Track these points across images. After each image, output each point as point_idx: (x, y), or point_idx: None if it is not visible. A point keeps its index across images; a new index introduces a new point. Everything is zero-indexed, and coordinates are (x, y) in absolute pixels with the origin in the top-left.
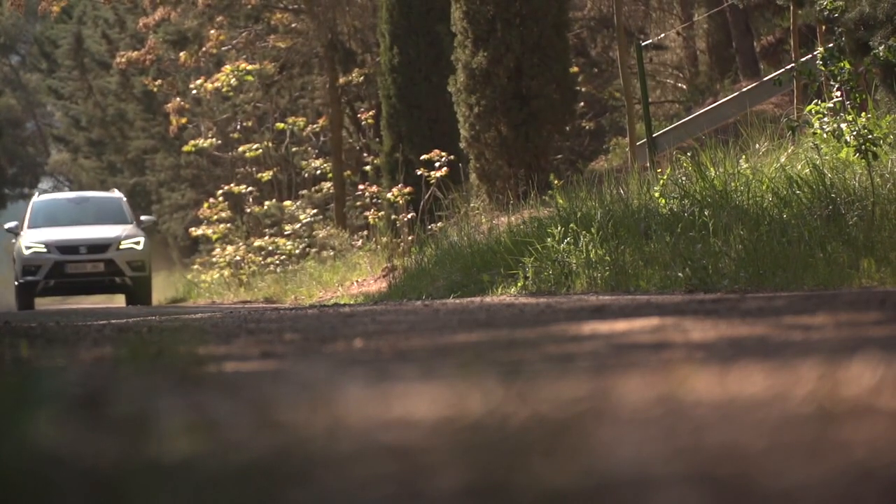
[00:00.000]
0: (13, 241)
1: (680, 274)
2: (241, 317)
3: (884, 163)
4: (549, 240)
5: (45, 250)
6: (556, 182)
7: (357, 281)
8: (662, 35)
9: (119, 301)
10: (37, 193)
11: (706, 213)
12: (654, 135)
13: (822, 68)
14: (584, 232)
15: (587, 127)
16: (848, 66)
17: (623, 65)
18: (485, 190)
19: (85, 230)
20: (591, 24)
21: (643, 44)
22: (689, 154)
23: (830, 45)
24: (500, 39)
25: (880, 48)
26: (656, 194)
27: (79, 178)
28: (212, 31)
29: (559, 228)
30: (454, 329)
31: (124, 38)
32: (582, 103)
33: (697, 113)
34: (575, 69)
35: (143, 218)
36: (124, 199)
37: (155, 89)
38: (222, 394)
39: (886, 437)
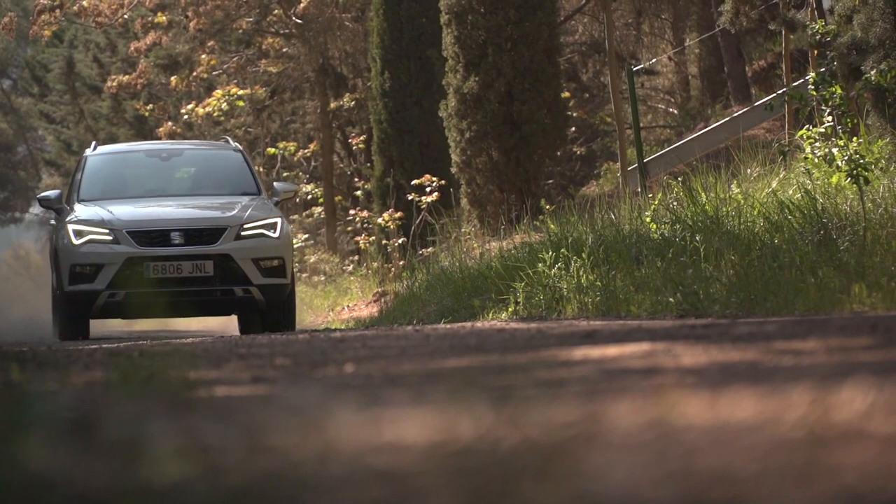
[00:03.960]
0: (52, 221)
1: (671, 299)
2: (231, 341)
3: (875, 188)
4: (540, 265)
5: (109, 238)
6: (547, 207)
7: (348, 306)
8: (654, 60)
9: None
10: (93, 145)
11: (697, 238)
12: (645, 160)
13: (814, 93)
14: (575, 257)
15: (578, 152)
16: (839, 90)
17: (614, 90)
18: (476, 215)
19: (180, 205)
20: (582, 48)
21: (635, 69)
22: (680, 179)
23: (822, 69)
24: (491, 64)
25: (872, 73)
26: (647, 219)
27: None
28: (203, 56)
29: (550, 253)
30: (445, 354)
31: (116, 63)
32: (573, 128)
33: (689, 138)
34: (566, 94)
35: (276, 185)
36: (244, 153)
37: (146, 113)
38: (213, 418)
39: (877, 462)
